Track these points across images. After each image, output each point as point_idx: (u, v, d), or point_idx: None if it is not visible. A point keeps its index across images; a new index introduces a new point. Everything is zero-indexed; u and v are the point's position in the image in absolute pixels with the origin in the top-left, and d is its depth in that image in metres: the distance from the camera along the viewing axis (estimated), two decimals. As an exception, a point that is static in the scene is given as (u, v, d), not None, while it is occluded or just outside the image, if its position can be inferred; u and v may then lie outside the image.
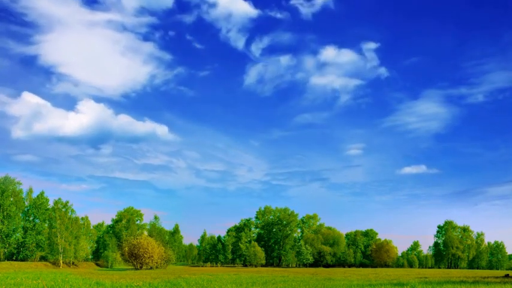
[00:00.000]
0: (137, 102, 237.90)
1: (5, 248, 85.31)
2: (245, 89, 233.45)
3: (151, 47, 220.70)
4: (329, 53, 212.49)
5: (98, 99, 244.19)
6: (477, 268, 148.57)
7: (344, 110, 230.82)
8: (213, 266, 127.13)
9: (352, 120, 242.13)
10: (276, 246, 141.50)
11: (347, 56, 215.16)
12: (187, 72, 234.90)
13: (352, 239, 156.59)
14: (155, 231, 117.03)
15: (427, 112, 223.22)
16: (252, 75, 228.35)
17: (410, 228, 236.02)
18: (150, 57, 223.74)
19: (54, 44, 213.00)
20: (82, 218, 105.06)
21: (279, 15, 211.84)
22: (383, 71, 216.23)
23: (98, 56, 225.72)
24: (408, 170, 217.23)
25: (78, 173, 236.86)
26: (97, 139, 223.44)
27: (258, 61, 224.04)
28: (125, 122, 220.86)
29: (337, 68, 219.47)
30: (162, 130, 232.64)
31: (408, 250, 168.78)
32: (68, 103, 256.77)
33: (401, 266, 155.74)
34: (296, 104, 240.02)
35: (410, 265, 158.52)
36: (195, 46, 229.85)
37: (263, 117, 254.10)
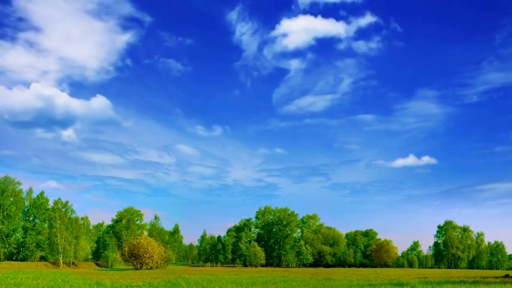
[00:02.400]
0: (116, 82, 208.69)
1: (5, 248, 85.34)
2: (242, 64, 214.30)
3: (129, 7, 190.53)
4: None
5: (69, 79, 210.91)
6: (477, 268, 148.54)
7: (345, 96, 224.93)
8: (213, 266, 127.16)
9: (351, 110, 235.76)
10: (276, 246, 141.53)
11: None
12: (173, 39, 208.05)
13: (352, 239, 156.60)
14: (155, 231, 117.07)
15: (423, 112, 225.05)
16: (251, 47, 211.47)
17: (410, 228, 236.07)
18: (127, 20, 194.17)
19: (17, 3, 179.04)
20: (82, 218, 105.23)
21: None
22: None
23: (66, 18, 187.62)
24: (409, 161, 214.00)
25: (66, 171, 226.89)
26: (75, 129, 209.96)
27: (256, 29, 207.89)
28: (105, 110, 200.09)
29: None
30: (149, 121, 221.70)
31: (408, 250, 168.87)
32: (25, 81, 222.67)
33: (401, 266, 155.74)
34: (297, 85, 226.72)
35: (410, 265, 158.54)
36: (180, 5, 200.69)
37: (260, 100, 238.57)
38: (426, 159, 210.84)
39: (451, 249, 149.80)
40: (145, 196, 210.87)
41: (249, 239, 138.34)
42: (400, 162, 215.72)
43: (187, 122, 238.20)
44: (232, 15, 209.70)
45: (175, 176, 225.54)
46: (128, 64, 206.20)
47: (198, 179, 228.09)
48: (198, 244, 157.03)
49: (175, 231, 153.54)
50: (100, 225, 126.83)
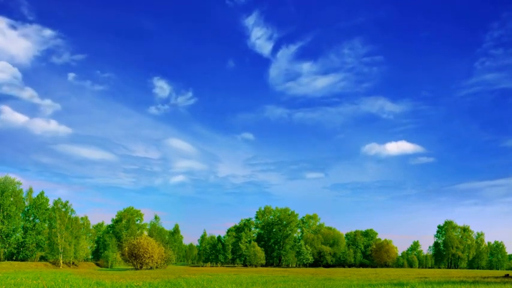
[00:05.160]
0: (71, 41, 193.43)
1: (5, 248, 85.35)
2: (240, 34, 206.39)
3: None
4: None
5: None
6: (477, 268, 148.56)
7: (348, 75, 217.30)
8: (213, 266, 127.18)
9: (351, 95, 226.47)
10: (276, 246, 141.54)
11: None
12: None
13: (352, 239, 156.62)
14: (155, 231, 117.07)
15: (418, 113, 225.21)
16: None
17: (410, 228, 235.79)
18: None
19: None
20: (82, 218, 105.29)
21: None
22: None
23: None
24: (407, 154, 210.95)
25: (53, 168, 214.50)
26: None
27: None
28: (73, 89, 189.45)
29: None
30: (129, 109, 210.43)
31: (408, 250, 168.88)
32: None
33: (402, 266, 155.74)
34: (300, 60, 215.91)
35: (410, 265, 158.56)
36: None
37: (255, 79, 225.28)
38: (425, 158, 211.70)
39: (451, 249, 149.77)
40: (137, 194, 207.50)
41: (249, 239, 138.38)
42: (398, 152, 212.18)
43: (175, 101, 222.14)
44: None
45: (163, 173, 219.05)
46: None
47: (189, 176, 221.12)
48: (198, 244, 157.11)
49: (175, 231, 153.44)
50: (100, 225, 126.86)
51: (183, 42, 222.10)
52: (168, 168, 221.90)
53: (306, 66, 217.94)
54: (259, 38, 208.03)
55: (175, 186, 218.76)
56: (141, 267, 77.15)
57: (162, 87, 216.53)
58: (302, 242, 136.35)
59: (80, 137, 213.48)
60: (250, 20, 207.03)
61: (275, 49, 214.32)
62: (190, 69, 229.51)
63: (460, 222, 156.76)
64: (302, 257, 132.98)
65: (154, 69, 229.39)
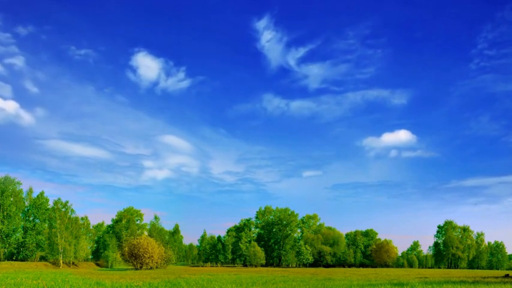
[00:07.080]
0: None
1: (5, 248, 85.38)
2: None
3: None
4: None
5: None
6: (477, 268, 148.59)
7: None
8: (213, 266, 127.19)
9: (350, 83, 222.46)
10: (276, 246, 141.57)
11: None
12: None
13: (352, 239, 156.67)
14: (155, 231, 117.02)
15: (414, 114, 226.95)
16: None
17: (410, 228, 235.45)
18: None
19: None
20: (82, 218, 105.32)
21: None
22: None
23: None
24: (409, 154, 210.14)
25: (42, 165, 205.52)
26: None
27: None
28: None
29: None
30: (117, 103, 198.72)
31: (408, 250, 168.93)
32: None
33: (402, 266, 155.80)
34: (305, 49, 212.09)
35: (410, 265, 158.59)
36: None
37: (253, 65, 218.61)
38: (424, 153, 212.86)
39: (451, 249, 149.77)
40: (132, 192, 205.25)
41: (249, 239, 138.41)
42: (399, 145, 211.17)
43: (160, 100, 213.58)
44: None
45: (156, 170, 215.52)
46: None
47: (181, 173, 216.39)
48: (198, 244, 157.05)
49: (175, 231, 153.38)
50: (100, 225, 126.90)
51: (183, 37, 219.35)
52: (161, 165, 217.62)
53: (314, 68, 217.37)
54: (269, 40, 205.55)
55: (169, 182, 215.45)
56: (141, 267, 77.16)
57: (149, 66, 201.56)
58: (302, 242, 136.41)
59: (66, 134, 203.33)
60: (261, 23, 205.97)
61: (283, 51, 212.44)
62: (184, 48, 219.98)
63: (460, 222, 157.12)
64: (302, 257, 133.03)
65: (140, 45, 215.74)
